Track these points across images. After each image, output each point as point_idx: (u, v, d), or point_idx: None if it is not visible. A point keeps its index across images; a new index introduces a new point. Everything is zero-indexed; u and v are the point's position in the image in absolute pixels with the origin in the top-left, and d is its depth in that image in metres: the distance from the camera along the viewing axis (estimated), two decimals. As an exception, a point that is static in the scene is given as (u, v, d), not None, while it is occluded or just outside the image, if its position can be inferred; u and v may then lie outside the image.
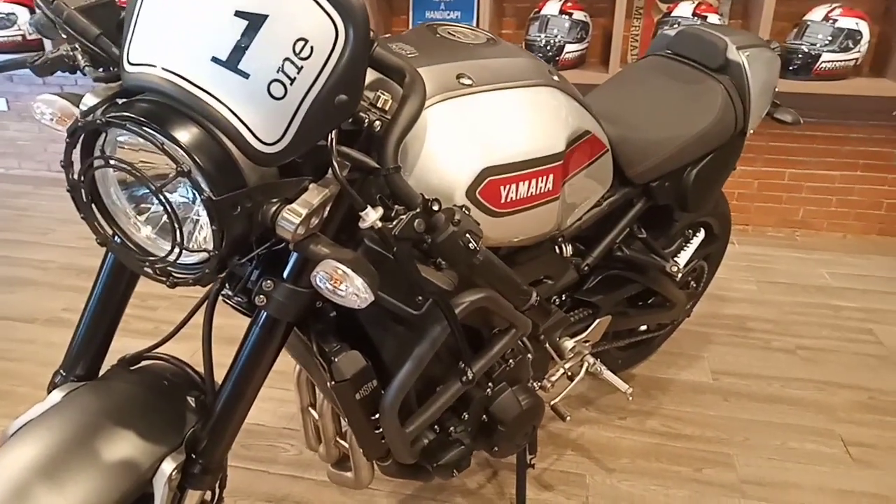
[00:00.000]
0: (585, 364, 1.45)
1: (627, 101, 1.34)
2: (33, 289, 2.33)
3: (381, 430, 0.94)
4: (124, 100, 0.67)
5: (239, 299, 0.87)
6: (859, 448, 1.59)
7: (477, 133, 0.86)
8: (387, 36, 0.96)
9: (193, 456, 0.83)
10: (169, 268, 0.70)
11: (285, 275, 0.78)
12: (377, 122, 0.72)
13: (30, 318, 2.13)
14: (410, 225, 0.72)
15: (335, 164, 0.67)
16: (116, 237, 0.72)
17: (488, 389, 1.09)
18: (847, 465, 1.54)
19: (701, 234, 1.52)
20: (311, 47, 0.61)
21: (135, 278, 0.90)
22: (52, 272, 2.45)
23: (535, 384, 1.25)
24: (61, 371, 0.90)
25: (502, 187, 0.88)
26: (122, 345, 0.93)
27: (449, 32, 0.97)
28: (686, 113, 1.30)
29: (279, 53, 0.61)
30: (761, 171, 2.73)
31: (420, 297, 0.85)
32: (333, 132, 0.68)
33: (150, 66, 0.64)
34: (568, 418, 1.36)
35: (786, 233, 2.80)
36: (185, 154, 0.61)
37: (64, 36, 0.74)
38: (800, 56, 2.33)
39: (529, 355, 1.16)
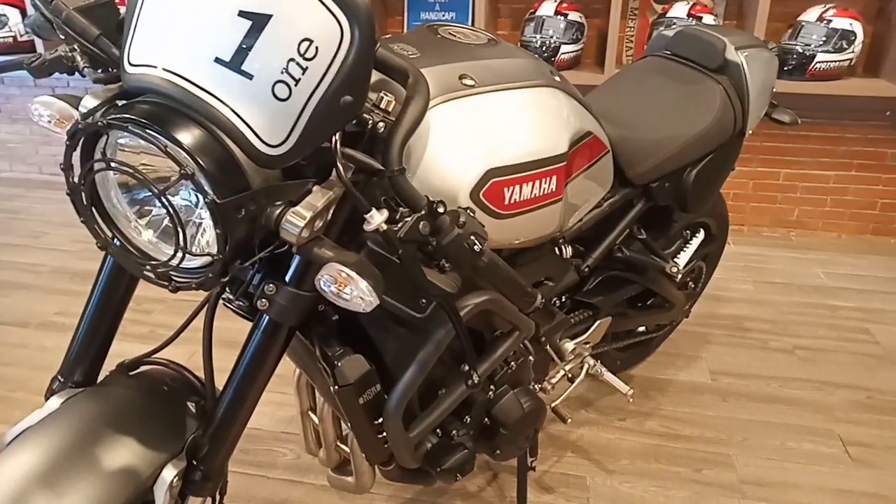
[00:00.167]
0: (586, 366, 1.44)
1: (627, 102, 1.34)
2: (25, 293, 2.30)
3: (384, 434, 0.93)
4: (125, 101, 0.66)
5: (240, 303, 0.86)
6: (858, 448, 1.59)
7: (480, 134, 0.86)
8: (387, 36, 0.95)
9: (194, 462, 0.82)
10: (171, 272, 0.69)
11: (287, 278, 0.77)
12: (381, 124, 0.71)
13: (22, 323, 2.11)
14: (415, 227, 0.71)
15: (340, 166, 0.67)
16: (116, 241, 0.71)
17: (490, 392, 1.08)
18: (846, 464, 1.54)
19: (701, 235, 1.52)
20: (316, 48, 0.60)
21: (134, 283, 0.88)
22: (45, 276, 2.42)
23: (535, 386, 1.24)
24: (59, 377, 0.89)
25: (506, 189, 0.87)
26: (116, 349, 0.92)
27: (450, 33, 0.96)
28: (685, 113, 1.30)
29: (284, 54, 0.60)
30: (756, 172, 2.73)
31: (424, 300, 0.84)
32: (338, 134, 0.67)
33: (151, 66, 0.62)
34: (569, 420, 1.36)
35: (781, 233, 2.81)
36: (188, 156, 0.60)
37: (62, 37, 0.73)
38: (794, 56, 2.34)
39: (531, 357, 1.15)
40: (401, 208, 0.72)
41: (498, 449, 1.13)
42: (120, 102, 0.66)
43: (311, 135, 0.63)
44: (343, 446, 1.17)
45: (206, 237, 0.70)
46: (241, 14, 0.59)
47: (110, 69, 0.72)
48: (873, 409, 1.73)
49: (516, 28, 2.68)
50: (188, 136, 0.61)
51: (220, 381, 0.85)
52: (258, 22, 0.59)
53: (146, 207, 0.71)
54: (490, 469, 1.52)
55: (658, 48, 1.47)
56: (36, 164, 3.40)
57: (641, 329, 1.67)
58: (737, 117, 1.33)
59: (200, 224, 0.69)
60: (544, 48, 2.50)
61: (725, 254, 1.83)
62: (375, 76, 0.74)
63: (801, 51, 2.32)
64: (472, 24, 2.64)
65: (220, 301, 0.89)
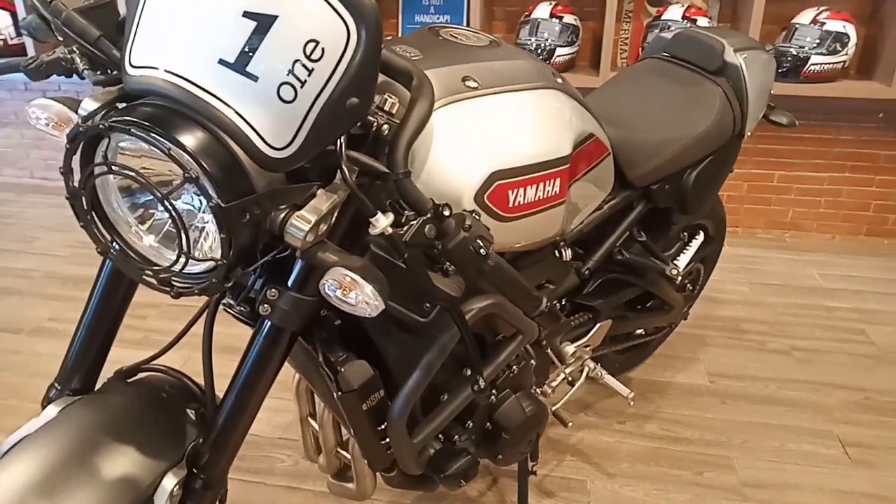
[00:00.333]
0: (586, 369, 1.44)
1: (626, 104, 1.34)
2: (17, 298, 2.27)
3: (386, 440, 0.92)
4: (125, 104, 0.65)
5: (242, 308, 0.85)
6: (857, 448, 1.59)
7: (484, 136, 0.85)
8: (387, 38, 0.94)
9: (195, 470, 0.81)
10: (172, 278, 0.68)
11: (290, 283, 0.76)
12: (385, 126, 0.71)
13: (15, 329, 2.08)
14: (421, 231, 0.71)
15: (345, 169, 0.66)
16: (115, 245, 0.70)
17: (492, 397, 1.07)
18: (846, 465, 1.54)
19: (701, 237, 1.52)
20: (323, 49, 0.59)
21: (132, 289, 0.87)
22: (37, 281, 2.40)
23: (536, 390, 1.23)
24: (56, 384, 0.87)
25: (510, 191, 0.87)
26: (110, 355, 0.90)
27: (451, 35, 0.96)
28: (685, 115, 1.30)
29: (289, 55, 0.59)
30: (751, 174, 2.74)
31: (428, 304, 0.83)
32: (343, 136, 0.66)
33: (153, 68, 0.61)
34: (570, 424, 1.35)
35: (775, 234, 2.82)
36: (191, 160, 0.59)
37: (60, 38, 0.72)
38: (788, 59, 2.35)
39: (532, 361, 1.14)
40: (406, 212, 0.71)
41: (500, 454, 1.12)
42: (120, 105, 0.65)
43: (317, 137, 0.62)
44: (343, 452, 1.16)
45: (209, 242, 0.68)
46: (246, 15, 0.58)
47: (110, 71, 0.71)
48: (871, 410, 1.73)
49: (511, 31, 2.68)
50: (192, 138, 0.60)
51: (218, 387, 0.84)
52: (263, 23, 0.58)
53: (147, 212, 0.69)
54: (490, 473, 1.51)
55: (656, 50, 1.48)
56: (27, 169, 3.37)
57: (640, 332, 1.67)
58: (736, 119, 1.34)
59: (203, 228, 0.68)
60: (539, 51, 2.50)
61: (721, 256, 1.83)
62: (379, 78, 0.73)
63: (795, 53, 2.34)
64: (468, 26, 2.64)
65: (220, 306, 0.88)
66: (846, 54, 2.32)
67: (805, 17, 2.35)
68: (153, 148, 0.60)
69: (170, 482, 0.78)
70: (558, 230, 1.02)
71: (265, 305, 0.75)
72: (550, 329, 1.18)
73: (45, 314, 2.16)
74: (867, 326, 2.12)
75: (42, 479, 0.71)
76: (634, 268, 1.36)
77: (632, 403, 1.45)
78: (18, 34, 2.78)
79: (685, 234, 1.58)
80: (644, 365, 1.90)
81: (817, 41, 2.30)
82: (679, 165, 1.29)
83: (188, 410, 0.87)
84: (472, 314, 0.88)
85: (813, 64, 2.32)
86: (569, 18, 2.51)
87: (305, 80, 0.60)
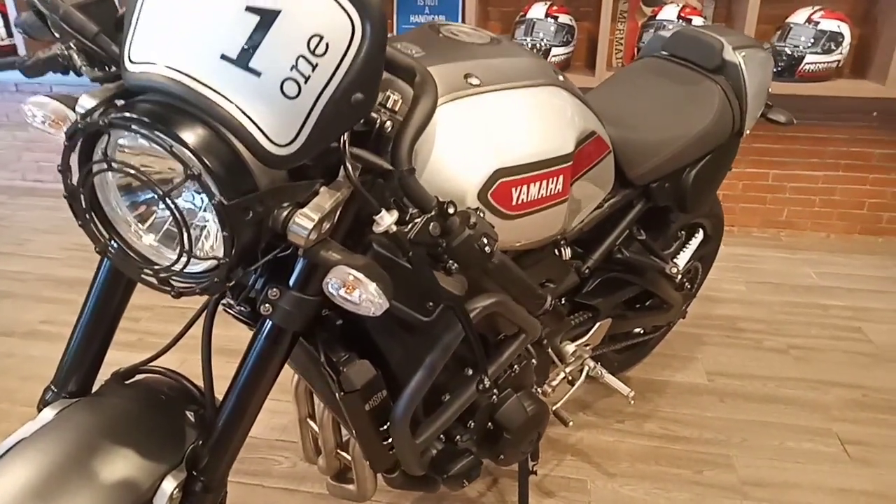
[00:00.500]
0: (586, 368, 1.44)
1: (625, 103, 1.34)
2: (10, 301, 2.25)
3: (388, 441, 0.91)
4: (124, 101, 0.64)
5: (242, 308, 0.84)
6: (856, 446, 1.59)
7: (488, 134, 0.84)
8: (389, 36, 0.94)
9: (194, 473, 0.80)
10: (174, 277, 0.67)
11: (292, 282, 0.75)
12: (388, 123, 0.70)
13: (7, 332, 2.05)
14: (426, 228, 0.70)
15: (349, 166, 0.65)
16: (113, 243, 0.69)
17: (494, 396, 1.06)
18: (845, 463, 1.55)
19: (700, 235, 1.52)
20: (327, 44, 0.58)
21: (130, 289, 0.86)
22: (30, 284, 2.37)
23: (537, 389, 1.23)
24: (52, 387, 0.86)
25: (514, 189, 0.86)
26: (106, 358, 0.88)
27: (452, 32, 0.95)
28: (684, 114, 1.30)
29: (293, 50, 0.58)
30: (746, 173, 2.75)
31: (431, 304, 0.82)
32: (346, 133, 0.65)
33: (153, 64, 0.60)
34: (570, 423, 1.35)
35: (770, 233, 2.83)
36: (193, 157, 0.58)
37: (57, 35, 0.70)
38: (783, 58, 2.35)
39: (534, 361, 1.14)
40: (410, 209, 0.71)
41: (501, 454, 1.11)
42: (119, 102, 0.64)
43: (321, 134, 0.61)
44: (343, 454, 1.15)
45: (210, 241, 0.67)
46: (249, 9, 0.57)
47: (109, 67, 0.70)
48: (869, 408, 1.73)
49: (506, 31, 2.67)
50: (193, 135, 0.59)
51: (216, 389, 0.83)
52: (266, 17, 0.57)
53: (147, 211, 0.68)
54: (490, 473, 1.50)
55: (655, 49, 1.47)
56: (19, 171, 3.33)
57: (638, 331, 1.66)
58: (735, 118, 1.34)
59: (203, 227, 0.67)
60: (535, 51, 2.50)
61: (717, 255, 1.83)
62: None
63: (789, 52, 2.34)
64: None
65: (220, 307, 0.87)
66: (840, 53, 2.33)
67: (799, 16, 2.35)
68: (154, 145, 0.59)
69: (169, 485, 0.77)
70: (560, 229, 1.02)
71: (266, 305, 0.74)
72: (554, 328, 1.17)
73: (39, 317, 2.14)
74: (863, 324, 2.13)
75: (39, 483, 0.70)
76: (634, 266, 1.36)
77: (632, 402, 1.45)
78: (10, 34, 2.75)
79: (682, 232, 1.58)
80: (642, 364, 1.90)
81: (812, 40, 2.31)
82: (679, 164, 1.29)
83: (187, 412, 0.86)
84: (476, 313, 0.87)
85: (807, 63, 2.33)
86: (564, 18, 2.51)
87: (309, 76, 0.59)
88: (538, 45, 2.49)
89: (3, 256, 2.58)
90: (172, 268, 0.65)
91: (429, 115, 0.70)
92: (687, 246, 1.50)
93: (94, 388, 0.87)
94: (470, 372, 0.98)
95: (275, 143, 0.60)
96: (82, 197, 0.65)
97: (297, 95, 0.59)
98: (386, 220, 0.67)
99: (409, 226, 0.70)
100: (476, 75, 0.85)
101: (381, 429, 0.90)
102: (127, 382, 0.87)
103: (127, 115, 0.59)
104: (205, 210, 0.66)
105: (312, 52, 0.58)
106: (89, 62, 0.69)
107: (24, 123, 3.19)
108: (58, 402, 0.82)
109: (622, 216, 1.29)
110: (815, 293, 2.33)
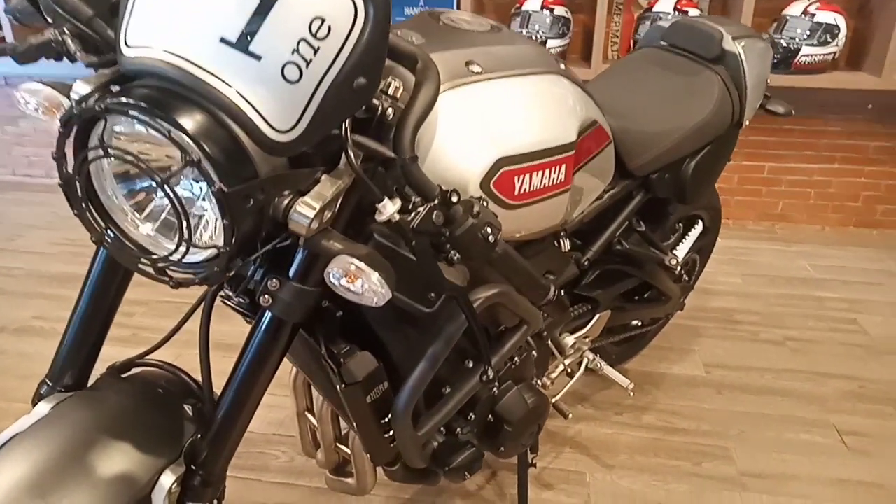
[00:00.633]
0: (585, 360, 1.43)
1: (624, 93, 1.33)
2: (1, 297, 2.22)
3: (390, 433, 0.90)
4: (120, 87, 0.62)
5: (240, 300, 0.83)
6: (854, 437, 1.60)
7: (490, 122, 0.83)
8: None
9: (193, 467, 0.78)
10: (172, 267, 0.65)
11: (291, 273, 0.73)
12: (390, 110, 0.69)
13: (-1, 328, 2.04)
14: (429, 217, 0.69)
15: (351, 153, 0.64)
16: (110, 232, 0.67)
17: (494, 389, 1.05)
18: (843, 454, 1.55)
19: (699, 227, 1.52)
20: (329, 27, 0.57)
21: (126, 281, 0.84)
22: (20, 280, 2.35)
23: (537, 382, 1.22)
24: (47, 381, 0.84)
25: (516, 178, 0.85)
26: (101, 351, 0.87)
27: (451, 19, 0.93)
28: (684, 104, 1.29)
29: (294, 34, 0.56)
30: (741, 166, 2.75)
31: (433, 294, 0.81)
32: (348, 120, 0.64)
33: (150, 48, 0.59)
34: (570, 416, 1.34)
35: (765, 226, 2.83)
36: (192, 142, 0.57)
37: (49, 20, 0.69)
38: (779, 50, 2.35)
39: (534, 353, 1.13)
40: (413, 198, 0.69)
41: (502, 446, 1.10)
42: (115, 88, 0.63)
43: (323, 119, 0.60)
44: (342, 447, 1.14)
45: (208, 231, 0.66)
46: (249, -9, 0.56)
47: (104, 53, 0.68)
48: (866, 399, 1.74)
49: (502, 22, 2.65)
50: (192, 121, 0.57)
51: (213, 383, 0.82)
52: (267, 0, 0.56)
53: (144, 199, 0.67)
54: (489, 466, 1.50)
55: (653, 39, 1.46)
56: (9, 166, 3.30)
57: (636, 323, 1.66)
58: (734, 108, 1.33)
59: (201, 217, 0.66)
60: (531, 43, 2.49)
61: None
62: None
63: (785, 44, 2.34)
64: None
65: (218, 298, 0.86)
66: (836, 45, 2.33)
67: (795, 8, 2.35)
68: (152, 131, 0.57)
69: (168, 479, 0.76)
70: (562, 219, 1.01)
71: (266, 296, 0.73)
72: (557, 318, 1.16)
73: (30, 313, 2.12)
74: (858, 316, 2.13)
75: (35, 478, 0.69)
76: (633, 258, 1.35)
77: (632, 394, 1.45)
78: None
79: (680, 225, 1.57)
80: (639, 356, 1.90)
81: (808, 32, 2.31)
82: (678, 155, 1.28)
83: (185, 406, 0.85)
84: (479, 304, 0.86)
85: (804, 55, 2.33)
86: (560, 10, 2.50)
87: (311, 60, 0.57)
88: (533, 38, 2.48)
89: (-7, 252, 2.55)
90: (171, 257, 0.63)
91: (431, 102, 0.69)
92: (686, 237, 1.49)
93: (90, 382, 0.86)
94: (471, 364, 0.97)
95: (276, 129, 0.59)
96: (78, 185, 0.63)
97: (299, 80, 0.58)
98: (389, 208, 0.66)
99: (412, 214, 0.68)
100: (477, 63, 0.84)
101: (383, 421, 0.89)
102: (123, 376, 0.86)
103: (124, 100, 0.57)
104: (203, 199, 0.65)
105: (314, 36, 0.57)
106: (84, 47, 0.68)
107: (14, 118, 3.15)
108: (53, 397, 0.80)
109: (622, 207, 1.29)
110: (811, 285, 2.33)
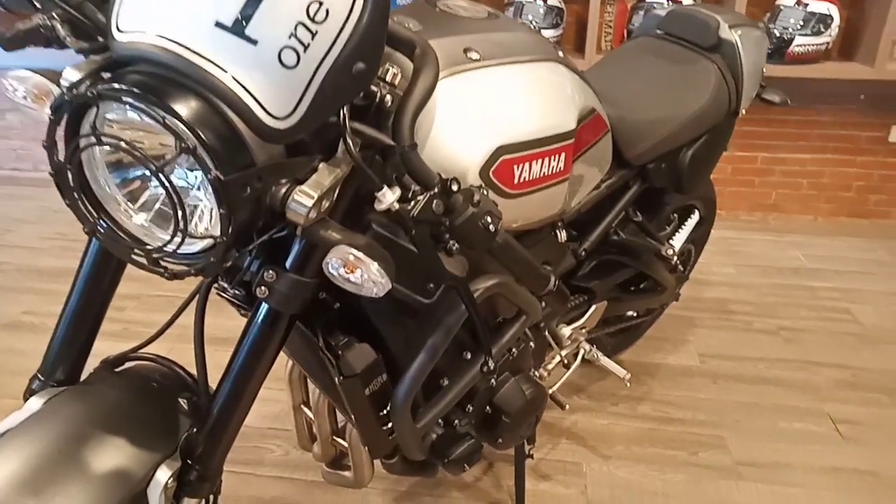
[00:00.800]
0: (581, 351, 1.43)
1: (621, 82, 1.32)
2: (-10, 292, 2.20)
3: (388, 426, 0.90)
4: (111, 73, 0.60)
5: (236, 292, 0.81)
6: (848, 425, 1.61)
7: (489, 109, 0.82)
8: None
9: (189, 462, 0.77)
10: (167, 258, 0.64)
11: (288, 264, 0.72)
12: (388, 97, 0.67)
13: (-12, 323, 2.01)
14: (429, 206, 0.67)
15: (349, 141, 0.62)
16: (102, 222, 0.65)
17: (493, 380, 1.05)
18: (837, 442, 1.56)
19: (696, 216, 1.52)
20: (327, 10, 0.55)
21: (119, 273, 0.82)
22: (10, 275, 2.31)
23: (534, 373, 1.22)
24: (39, 376, 0.82)
25: (516, 167, 0.84)
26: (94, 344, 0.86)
27: (448, 6, 0.92)
28: (681, 93, 1.28)
29: (291, 17, 0.55)
30: (734, 156, 2.75)
31: (432, 285, 0.80)
32: (346, 106, 0.62)
33: (142, 33, 0.57)
34: (567, 407, 1.34)
35: (758, 216, 2.84)
36: (188, 129, 0.55)
37: (38, 5, 0.67)
38: (773, 40, 2.35)
39: (532, 343, 1.12)
40: (412, 187, 0.68)
41: (500, 437, 1.10)
42: (106, 75, 0.61)
43: (321, 106, 0.59)
44: (339, 440, 1.13)
45: (203, 222, 0.64)
46: (244, -27, 0.54)
47: (95, 38, 0.66)
48: (859, 388, 1.75)
49: (495, 13, 2.64)
50: (187, 107, 0.56)
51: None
52: None
53: (138, 189, 0.65)
54: (485, 458, 1.49)
55: (649, 28, 1.45)
56: (-5, 159, 3.25)
57: (631, 314, 1.66)
58: (731, 97, 1.32)
59: (196, 207, 0.64)
60: (524, 33, 2.47)
61: (706, 238, 1.83)
62: None
63: (779, 34, 2.34)
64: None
65: (213, 290, 0.84)
66: (829, 35, 2.33)
67: (789, -2, 2.35)
68: (146, 118, 0.55)
69: (164, 474, 0.75)
70: (560, 209, 1.00)
71: (262, 288, 0.71)
72: (557, 308, 1.16)
73: (20, 308, 2.09)
74: (851, 305, 2.14)
75: (28, 474, 0.67)
76: (630, 248, 1.35)
77: (628, 384, 1.45)
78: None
79: (675, 215, 1.57)
80: (634, 347, 1.90)
81: (801, 22, 2.31)
82: (675, 144, 1.27)
83: (180, 400, 0.83)
84: (479, 294, 0.85)
85: (797, 45, 2.33)
86: (553, 0, 2.48)
87: (309, 44, 0.56)
88: (527, 28, 2.47)
89: (-20, 246, 2.52)
90: (166, 248, 0.62)
91: (430, 89, 0.68)
92: (683, 227, 1.49)
93: (83, 377, 0.84)
94: (469, 355, 0.96)
95: (273, 116, 0.57)
96: (69, 174, 0.61)
97: (296, 65, 0.56)
98: (388, 197, 0.65)
99: (412, 203, 0.67)
100: (475, 49, 0.83)
101: (381, 414, 0.88)
102: (117, 370, 0.84)
103: (116, 86, 0.56)
104: (197, 188, 0.63)
105: (312, 19, 0.55)
106: (74, 32, 0.66)
107: (1, 111, 3.08)
108: (45, 391, 0.79)
109: (618, 197, 1.28)
110: (804, 275, 2.34)
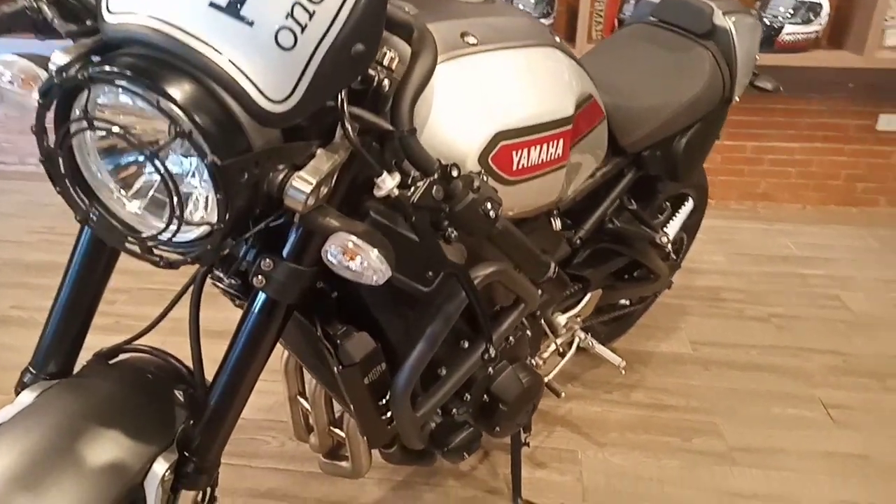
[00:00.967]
0: (577, 339, 1.43)
1: (616, 70, 1.31)
2: (-25, 287, 2.16)
3: (387, 415, 0.89)
4: (102, 56, 0.59)
5: (231, 282, 0.80)
6: (839, 410, 1.62)
7: (487, 94, 0.81)
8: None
9: (186, 454, 0.76)
10: (162, 246, 0.63)
11: (286, 252, 0.71)
12: (386, 81, 0.66)
13: (-26, 318, 1.97)
14: (429, 192, 0.66)
15: (348, 126, 0.61)
16: (94, 210, 0.64)
17: (490, 368, 1.04)
18: (829, 427, 1.57)
19: (689, 205, 1.52)
20: (325, -11, 0.54)
21: (112, 263, 0.81)
22: (-4, 268, 2.28)
23: (531, 361, 1.21)
24: (30, 369, 0.81)
25: (515, 153, 0.83)
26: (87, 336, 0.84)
27: (443, -10, 0.91)
28: (675, 80, 1.28)
29: (288, -4, 0.54)
30: (724, 145, 2.76)
31: (431, 273, 0.79)
32: (344, 90, 0.61)
33: (134, 14, 0.55)
34: (562, 395, 1.34)
35: (748, 205, 2.85)
36: (183, 113, 0.54)
37: (24, -13, 0.65)
38: (763, 28, 2.35)
39: (528, 332, 1.12)
40: (411, 172, 0.67)
41: (497, 426, 1.09)
42: (96, 58, 0.59)
43: (319, 89, 0.57)
44: (336, 430, 1.13)
45: (199, 211, 0.63)
46: (239, -49, 0.53)
47: (84, 20, 0.64)
48: (851, 373, 1.76)
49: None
50: (181, 90, 0.54)
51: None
52: None
53: (131, 175, 0.63)
54: (481, 446, 1.48)
55: (643, 15, 1.45)
56: (-23, 152, 3.19)
57: (624, 302, 1.66)
58: (725, 84, 1.32)
59: (190, 194, 0.63)
60: (515, 22, 2.46)
61: (697, 227, 1.84)
62: None
63: (769, 23, 2.34)
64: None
65: (209, 280, 0.83)
66: (819, 24, 2.34)
67: (779, -14, 2.35)
68: (139, 101, 0.54)
69: (160, 467, 0.74)
70: (557, 196, 0.99)
71: (259, 277, 0.70)
72: (555, 295, 1.15)
73: (8, 303, 2.06)
74: (841, 292, 2.16)
75: (21, 469, 0.66)
76: (624, 236, 1.35)
77: (623, 372, 1.45)
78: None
79: (667, 203, 1.57)
80: (627, 335, 1.90)
81: (791, 11, 2.31)
82: (670, 131, 1.27)
83: (176, 392, 0.82)
84: (479, 281, 0.85)
85: (787, 33, 2.33)
86: (544, -12, 2.46)
87: (306, 25, 0.54)
88: (518, 16, 2.45)
89: (-35, 240, 2.47)
90: (161, 235, 0.61)
91: (429, 73, 0.67)
92: (676, 215, 1.49)
93: (76, 369, 0.83)
94: (467, 344, 0.96)
95: (269, 99, 0.56)
96: (60, 161, 0.60)
97: (294, 46, 0.55)
98: (388, 183, 0.64)
99: (412, 189, 0.66)
100: (473, 34, 0.82)
101: (380, 403, 0.88)
102: (111, 362, 0.83)
103: (108, 68, 0.54)
104: (192, 175, 0.62)
105: (309, -1, 0.54)
106: (62, 14, 0.64)
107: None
108: (37, 385, 0.78)
109: (613, 185, 1.28)
110: (794, 263, 2.36)
